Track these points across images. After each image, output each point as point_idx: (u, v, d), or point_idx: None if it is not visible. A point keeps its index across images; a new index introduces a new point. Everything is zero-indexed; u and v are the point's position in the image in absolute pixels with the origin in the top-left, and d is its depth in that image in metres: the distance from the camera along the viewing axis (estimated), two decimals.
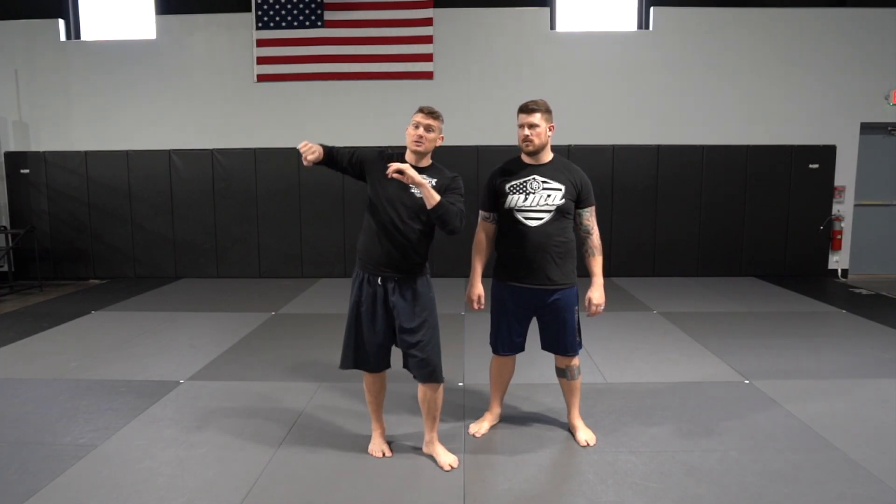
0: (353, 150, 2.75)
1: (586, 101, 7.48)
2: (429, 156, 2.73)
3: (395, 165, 2.48)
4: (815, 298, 6.34)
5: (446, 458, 2.79)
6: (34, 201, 7.74)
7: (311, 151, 2.58)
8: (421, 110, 2.67)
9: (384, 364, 2.80)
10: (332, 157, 2.70)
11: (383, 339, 2.74)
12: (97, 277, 7.83)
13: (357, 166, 2.73)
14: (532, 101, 2.82)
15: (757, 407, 3.45)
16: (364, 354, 2.75)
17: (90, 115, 7.71)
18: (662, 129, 7.55)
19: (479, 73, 7.57)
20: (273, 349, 4.62)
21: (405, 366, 2.77)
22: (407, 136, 2.69)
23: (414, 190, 2.61)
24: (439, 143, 2.72)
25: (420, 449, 2.92)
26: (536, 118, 2.80)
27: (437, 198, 2.56)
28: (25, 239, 7.44)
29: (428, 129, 2.65)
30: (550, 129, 2.86)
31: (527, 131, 2.81)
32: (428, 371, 2.71)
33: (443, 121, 2.72)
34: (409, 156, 2.70)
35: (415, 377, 2.76)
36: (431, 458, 2.84)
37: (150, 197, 7.71)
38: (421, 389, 2.79)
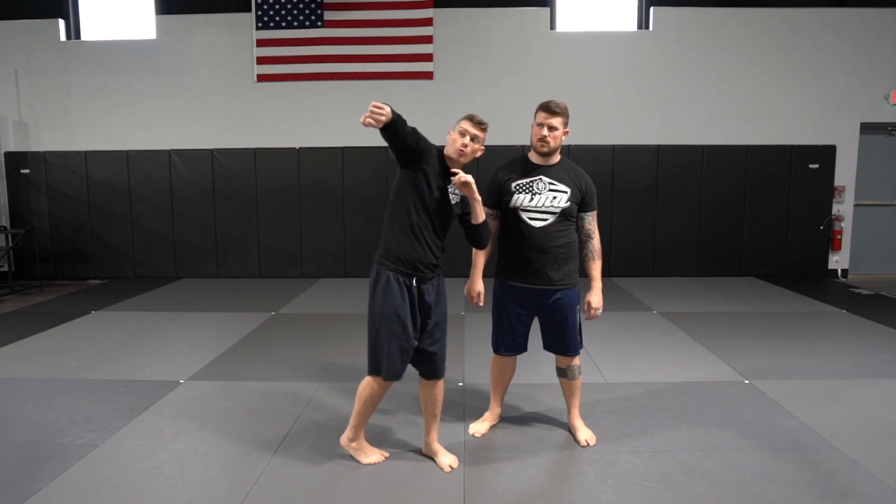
0: (415, 129, 2.47)
1: (586, 100, 7.45)
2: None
3: (462, 175, 2.49)
4: (815, 298, 6.34)
5: (446, 459, 2.78)
6: (34, 201, 7.74)
7: (379, 115, 2.21)
8: (471, 119, 2.59)
9: None
10: (396, 125, 2.34)
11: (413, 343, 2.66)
12: (97, 277, 7.83)
13: (416, 151, 2.49)
14: (554, 103, 2.78)
15: (757, 407, 3.45)
16: (405, 361, 2.64)
17: (90, 115, 7.71)
18: (662, 129, 7.55)
19: (479, 73, 7.56)
20: (273, 349, 4.62)
21: (415, 364, 2.72)
22: (449, 141, 2.61)
23: (451, 195, 2.63)
24: (478, 154, 2.68)
25: (420, 449, 2.92)
26: (557, 122, 2.78)
27: (484, 215, 2.63)
28: (25, 239, 7.44)
29: (474, 139, 2.60)
30: (565, 134, 2.86)
31: (545, 132, 2.79)
32: (443, 366, 2.75)
33: (486, 132, 2.66)
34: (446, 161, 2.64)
35: (424, 374, 2.74)
36: (431, 458, 2.84)
37: (150, 197, 7.71)
38: (425, 386, 2.77)
